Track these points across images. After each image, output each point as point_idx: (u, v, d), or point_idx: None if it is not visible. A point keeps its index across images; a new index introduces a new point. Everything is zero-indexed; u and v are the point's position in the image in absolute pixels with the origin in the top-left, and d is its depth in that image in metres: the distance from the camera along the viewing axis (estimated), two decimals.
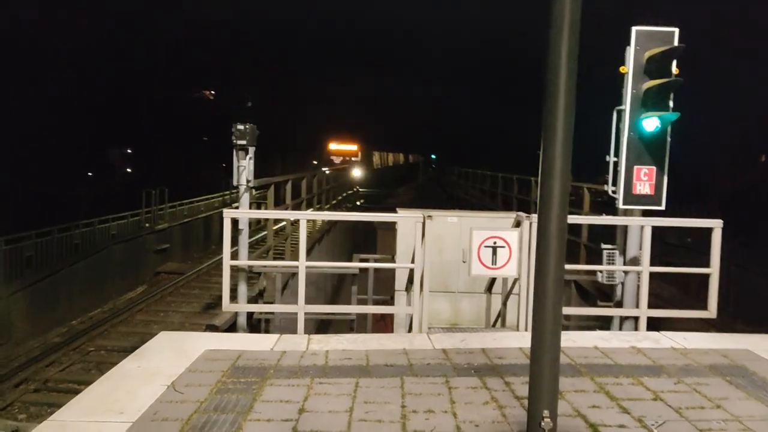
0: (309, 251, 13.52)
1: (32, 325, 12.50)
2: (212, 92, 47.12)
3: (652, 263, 7.31)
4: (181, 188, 27.34)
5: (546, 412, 4.06)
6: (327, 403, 4.77)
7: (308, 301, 8.44)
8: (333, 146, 47.66)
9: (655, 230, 7.12)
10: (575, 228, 11.90)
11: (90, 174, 39.22)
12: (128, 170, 43.86)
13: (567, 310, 8.64)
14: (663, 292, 15.31)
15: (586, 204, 11.68)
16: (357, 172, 30.17)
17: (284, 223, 11.92)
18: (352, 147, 46.25)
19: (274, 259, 10.60)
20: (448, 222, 9.44)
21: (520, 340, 6.41)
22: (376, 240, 22.22)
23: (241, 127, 6.92)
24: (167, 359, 5.68)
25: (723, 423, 4.54)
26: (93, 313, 14.51)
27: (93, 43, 31.35)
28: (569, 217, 8.59)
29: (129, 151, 44.30)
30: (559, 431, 4.23)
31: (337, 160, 43.48)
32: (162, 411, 4.55)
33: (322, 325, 12.55)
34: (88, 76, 32.36)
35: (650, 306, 7.22)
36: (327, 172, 19.26)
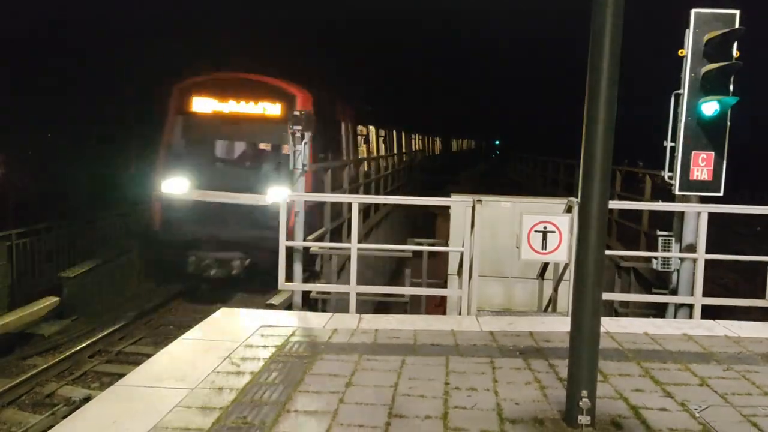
0: (367, 234, 13.76)
1: (105, 301, 13.20)
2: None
3: (721, 251, 7.18)
4: None
5: (584, 392, 4.14)
6: (373, 378, 4.96)
7: (366, 283, 8.73)
8: (201, 103, 11.54)
9: (724, 218, 7.00)
10: (636, 216, 11.71)
11: None
12: None
13: (618, 296, 8.60)
14: (728, 281, 14.88)
15: (648, 191, 11.46)
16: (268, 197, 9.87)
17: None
18: (270, 106, 11.37)
19: (333, 241, 10.85)
20: (501, 207, 9.45)
21: (569, 324, 6.42)
22: (434, 225, 22.33)
23: (297, 113, 7.17)
24: (225, 334, 5.99)
25: None
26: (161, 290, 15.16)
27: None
28: (622, 203, 8.49)
29: None
30: (600, 412, 4.31)
31: (218, 147, 12.47)
32: (218, 380, 4.84)
33: (379, 309, 12.80)
34: None
35: (710, 294, 7.12)
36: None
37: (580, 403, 4.12)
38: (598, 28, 3.92)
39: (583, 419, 4.12)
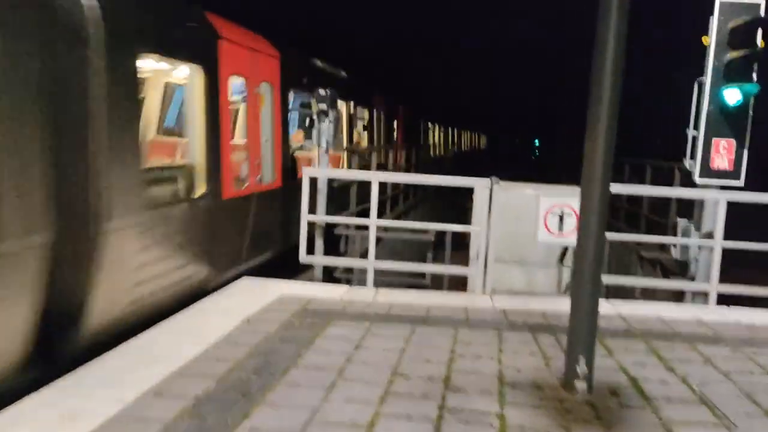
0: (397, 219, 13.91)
1: None
2: None
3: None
4: None
5: (582, 359, 4.26)
6: (382, 343, 5.15)
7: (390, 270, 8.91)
8: None
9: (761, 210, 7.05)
10: (664, 209, 11.67)
11: None
12: None
13: (629, 280, 8.62)
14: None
15: (677, 183, 11.41)
16: None
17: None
18: None
19: (358, 227, 11.02)
20: (525, 194, 9.54)
21: None
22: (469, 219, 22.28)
23: (321, 91, 7.38)
24: (245, 300, 6.24)
25: None
26: None
27: None
28: (638, 186, 8.49)
29: None
30: (599, 382, 4.42)
31: None
32: (234, 338, 5.08)
33: None
34: None
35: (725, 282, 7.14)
36: None
37: (577, 369, 4.24)
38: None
39: (580, 385, 4.24)
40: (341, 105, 11.77)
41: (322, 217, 7.59)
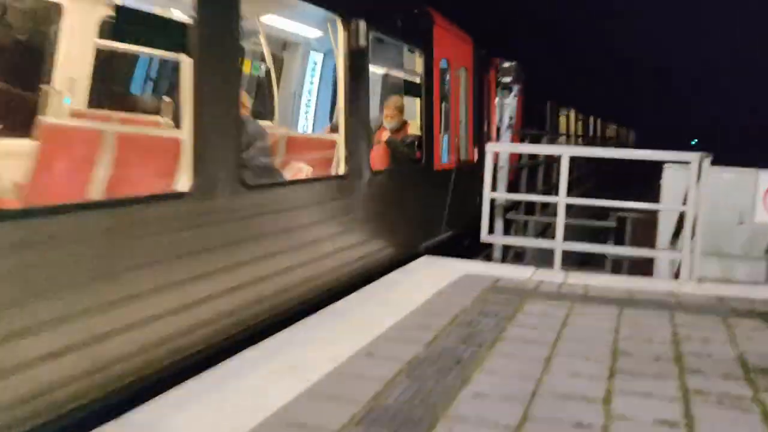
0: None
1: None
2: None
3: None
4: None
5: None
6: (589, 321, 4.71)
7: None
8: None
9: None
10: None
11: None
12: None
13: None
14: None
15: None
16: None
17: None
18: None
19: (528, 213, 10.52)
20: (722, 179, 8.60)
21: None
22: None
23: (506, 64, 6.98)
24: (431, 276, 6.00)
25: None
26: None
27: None
28: None
29: None
30: None
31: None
32: (430, 309, 4.85)
33: None
34: None
35: None
36: None
37: None
38: None
39: None
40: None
41: (504, 195, 7.20)
